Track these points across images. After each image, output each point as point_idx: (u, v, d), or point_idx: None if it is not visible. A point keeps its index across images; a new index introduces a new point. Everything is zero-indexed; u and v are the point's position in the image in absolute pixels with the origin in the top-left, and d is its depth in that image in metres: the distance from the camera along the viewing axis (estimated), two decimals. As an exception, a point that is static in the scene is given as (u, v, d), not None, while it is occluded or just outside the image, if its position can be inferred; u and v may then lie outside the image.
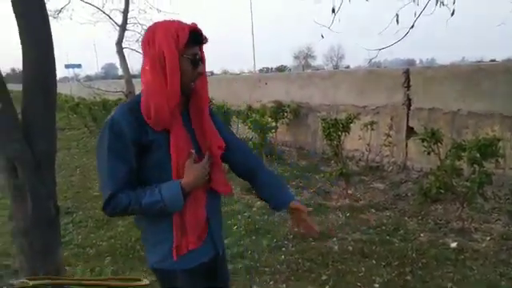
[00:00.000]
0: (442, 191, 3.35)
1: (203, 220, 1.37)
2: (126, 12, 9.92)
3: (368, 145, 5.30)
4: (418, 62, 54.18)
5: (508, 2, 3.35)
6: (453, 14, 3.91)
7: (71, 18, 11.05)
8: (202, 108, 1.36)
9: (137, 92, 1.40)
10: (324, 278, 2.79)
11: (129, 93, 9.12)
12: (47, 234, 1.84)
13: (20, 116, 1.83)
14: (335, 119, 4.37)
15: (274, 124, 6.44)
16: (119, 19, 10.05)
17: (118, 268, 3.08)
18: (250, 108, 6.99)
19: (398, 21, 3.93)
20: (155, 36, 1.22)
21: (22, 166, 1.73)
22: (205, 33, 1.30)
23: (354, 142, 5.52)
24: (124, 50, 9.73)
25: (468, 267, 2.83)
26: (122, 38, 9.73)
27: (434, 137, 3.44)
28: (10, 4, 1.77)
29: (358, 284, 2.71)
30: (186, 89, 1.28)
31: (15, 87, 9.28)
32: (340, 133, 4.36)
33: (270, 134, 6.44)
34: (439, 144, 3.46)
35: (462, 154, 3.22)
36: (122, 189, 1.24)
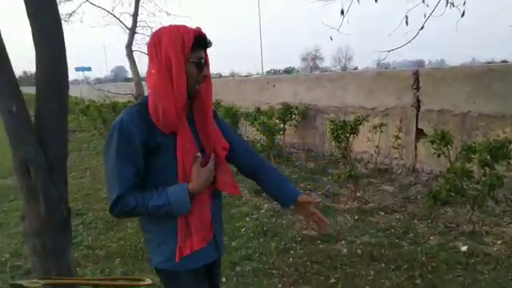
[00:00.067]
0: (452, 194, 3.32)
1: (208, 222, 1.39)
2: (135, 15, 10.04)
3: (377, 147, 5.26)
4: (427, 63, 53.74)
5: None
6: (463, 15, 3.89)
7: (82, 22, 11.22)
8: (206, 110, 1.38)
9: (146, 94, 1.42)
10: (332, 281, 2.78)
11: (138, 95, 9.21)
12: (59, 235, 1.87)
13: (33, 118, 1.87)
14: (343, 121, 4.36)
15: (281, 126, 6.44)
16: (129, 22, 10.18)
17: (128, 269, 3.11)
18: (258, 110, 7.00)
19: (407, 22, 3.92)
20: (161, 40, 1.25)
21: (35, 168, 1.76)
22: (211, 36, 1.33)
23: (362, 144, 5.49)
24: (134, 52, 9.84)
25: (479, 271, 2.79)
26: (132, 41, 9.85)
27: (443, 139, 3.41)
28: (23, 5, 1.81)
29: (367, 287, 2.69)
30: (191, 91, 1.31)
31: (27, 90, 9.42)
32: (348, 135, 4.35)
33: (278, 136, 6.45)
34: (449, 146, 3.43)
35: (473, 156, 3.19)
36: (129, 190, 1.26)
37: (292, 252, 3.26)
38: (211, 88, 1.39)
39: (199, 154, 1.33)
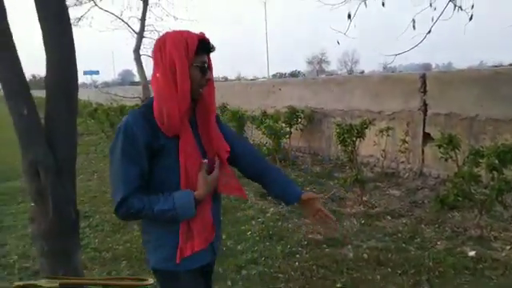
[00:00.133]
0: (460, 198, 3.29)
1: (210, 224, 1.42)
2: (143, 19, 10.14)
3: (383, 151, 5.24)
4: (434, 66, 53.46)
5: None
6: (471, 18, 3.87)
7: (91, 26, 11.36)
8: (209, 114, 1.41)
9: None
10: (339, 285, 2.77)
11: (145, 98, 9.29)
12: (67, 238, 1.89)
13: (43, 121, 1.89)
14: (350, 125, 4.35)
15: (287, 129, 6.44)
16: (137, 27, 10.27)
17: (134, 272, 3.12)
18: (264, 113, 7.01)
19: (414, 26, 3.91)
20: (166, 45, 1.28)
21: (44, 170, 1.78)
22: (217, 40, 1.37)
23: (368, 147, 5.47)
24: (141, 56, 9.93)
25: (487, 277, 2.76)
26: (140, 45, 9.94)
27: (451, 143, 3.39)
28: (32, 9, 1.84)
29: (374, 292, 2.68)
30: (194, 94, 1.33)
31: (37, 93, 9.53)
32: (355, 138, 4.34)
33: (284, 140, 6.45)
34: (457, 150, 3.40)
35: (481, 160, 3.16)
36: (134, 192, 1.28)
37: (298, 256, 3.25)
38: (214, 91, 1.41)
39: (205, 161, 1.35)
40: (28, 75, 1.91)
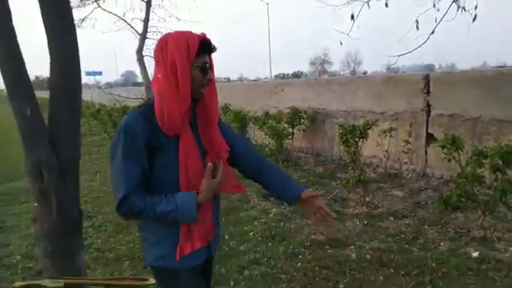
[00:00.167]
0: (463, 199, 3.28)
1: (210, 224, 1.44)
2: (146, 21, 10.16)
3: (386, 151, 5.23)
4: (437, 67, 53.31)
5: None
6: (474, 19, 3.86)
7: (94, 27, 11.39)
8: (210, 114, 1.41)
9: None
10: (341, 286, 2.76)
11: (148, 99, 9.30)
12: (70, 238, 1.89)
13: (46, 122, 1.90)
14: (353, 125, 4.34)
15: (290, 130, 6.44)
16: (140, 28, 10.29)
17: (137, 272, 3.12)
18: (266, 114, 7.01)
19: (417, 27, 3.90)
20: (167, 46, 1.29)
21: (48, 171, 1.79)
22: (220, 40, 1.37)
23: (371, 148, 5.46)
24: (144, 57, 9.95)
25: (490, 278, 2.75)
26: (143, 46, 9.96)
27: (454, 143, 3.38)
28: (35, 10, 1.85)
29: (376, 293, 2.67)
30: (196, 95, 1.34)
31: (41, 94, 9.56)
32: (357, 139, 4.33)
33: (287, 141, 6.45)
34: (460, 151, 3.39)
35: (484, 161, 3.15)
36: (135, 190, 1.29)
37: (300, 256, 3.24)
38: (216, 92, 1.42)
39: (211, 165, 1.35)
40: (32, 76, 1.91)
